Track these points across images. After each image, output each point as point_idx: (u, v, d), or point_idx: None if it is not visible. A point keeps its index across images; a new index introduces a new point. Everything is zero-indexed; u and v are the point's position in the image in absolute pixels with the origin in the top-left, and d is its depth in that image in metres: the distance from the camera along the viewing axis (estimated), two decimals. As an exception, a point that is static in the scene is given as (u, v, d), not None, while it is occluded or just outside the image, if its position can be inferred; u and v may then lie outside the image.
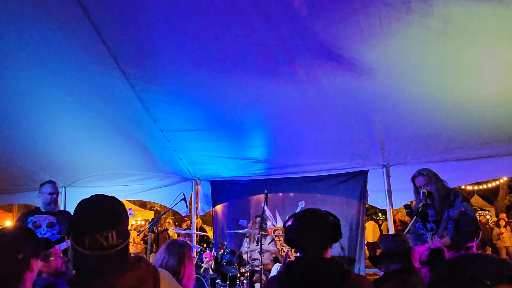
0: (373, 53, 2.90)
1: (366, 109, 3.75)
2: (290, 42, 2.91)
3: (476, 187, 15.01)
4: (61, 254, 2.65)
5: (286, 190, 5.74)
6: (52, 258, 2.65)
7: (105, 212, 1.34)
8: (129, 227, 1.43)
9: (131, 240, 10.38)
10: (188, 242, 2.73)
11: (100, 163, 5.28)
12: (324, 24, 2.66)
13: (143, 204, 16.48)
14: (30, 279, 1.47)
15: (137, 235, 9.93)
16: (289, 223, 1.74)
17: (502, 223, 11.26)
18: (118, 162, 5.32)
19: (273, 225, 5.86)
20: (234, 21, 2.76)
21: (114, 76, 3.42)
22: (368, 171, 5.21)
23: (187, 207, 5.49)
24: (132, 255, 1.41)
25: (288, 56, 3.03)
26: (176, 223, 16.66)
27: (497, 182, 15.25)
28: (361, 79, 3.18)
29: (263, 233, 4.31)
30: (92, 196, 1.41)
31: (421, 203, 3.31)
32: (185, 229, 6.10)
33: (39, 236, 3.71)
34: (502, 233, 10.81)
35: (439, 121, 3.79)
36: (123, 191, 6.06)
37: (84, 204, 1.38)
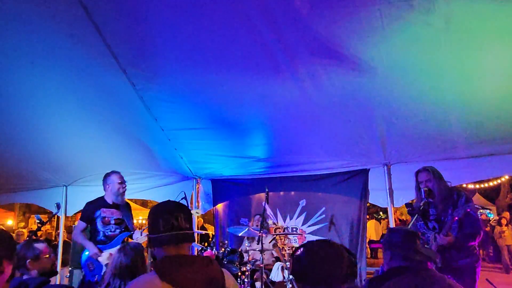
0: (374, 51, 2.89)
1: (367, 107, 3.73)
2: (291, 40, 2.90)
3: (477, 186, 14.99)
4: (52, 254, 2.69)
5: (287, 189, 5.74)
6: (46, 256, 2.67)
7: (171, 201, 1.68)
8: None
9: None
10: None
11: (101, 162, 5.27)
12: (325, 22, 2.65)
13: (144, 203, 16.47)
14: (1, 281, 1.47)
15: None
16: (299, 253, 1.58)
17: (504, 221, 11.25)
18: (119, 161, 5.30)
19: (274, 223, 5.86)
20: (235, 19, 2.75)
21: (115, 74, 3.42)
22: (369, 169, 5.21)
23: (188, 206, 5.50)
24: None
25: (289, 54, 3.02)
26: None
27: (499, 181, 15.24)
28: (362, 77, 3.17)
29: (264, 231, 4.31)
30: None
31: (422, 201, 3.31)
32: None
33: (108, 234, 3.69)
34: (504, 232, 10.79)
35: (440, 119, 3.77)
36: (124, 190, 6.06)
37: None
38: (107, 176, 4.00)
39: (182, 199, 5.19)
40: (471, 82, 3.21)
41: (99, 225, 3.85)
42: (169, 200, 1.71)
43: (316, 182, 5.51)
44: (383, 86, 3.33)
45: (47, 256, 2.69)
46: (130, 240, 3.85)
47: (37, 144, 4.55)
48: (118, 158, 5.19)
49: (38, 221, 3.81)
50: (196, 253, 5.32)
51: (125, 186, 3.98)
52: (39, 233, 10.77)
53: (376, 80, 3.22)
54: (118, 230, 3.90)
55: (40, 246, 2.68)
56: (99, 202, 3.95)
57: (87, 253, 3.80)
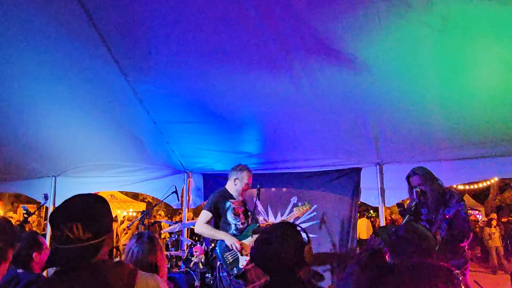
0: (370, 49, 2.86)
1: (361, 106, 3.72)
2: (287, 36, 2.86)
3: (467, 187, 15.14)
4: (48, 247, 2.61)
5: (279, 185, 5.72)
6: (48, 249, 2.59)
7: (74, 205, 1.33)
8: (112, 227, 1.42)
9: (121, 231, 10.21)
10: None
11: (92, 153, 5.22)
12: (321, 18, 2.62)
13: (135, 196, 16.42)
14: (4, 268, 1.44)
15: (127, 227, 9.88)
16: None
17: (493, 223, 11.39)
18: (109, 153, 5.26)
19: (265, 220, 5.84)
20: (230, 13, 2.71)
21: (107, 65, 3.36)
22: (361, 168, 5.21)
23: (178, 200, 5.46)
24: (112, 259, 1.39)
25: (285, 49, 2.98)
26: (168, 216, 16.62)
27: (488, 182, 15.40)
28: (357, 75, 3.15)
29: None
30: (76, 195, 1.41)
31: (414, 202, 3.31)
32: (176, 222, 6.05)
33: (240, 226, 3.65)
34: (493, 233, 10.91)
35: (433, 120, 3.77)
36: (114, 182, 6.02)
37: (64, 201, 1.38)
38: (240, 169, 3.80)
39: (172, 192, 5.17)
40: (465, 84, 3.20)
41: (230, 217, 3.63)
42: (68, 201, 1.38)
43: (308, 180, 5.50)
44: (378, 85, 3.31)
45: (47, 248, 2.62)
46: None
47: (26, 134, 4.48)
48: (109, 149, 5.14)
49: (25, 212, 3.75)
50: (185, 248, 5.29)
51: (249, 189, 3.83)
52: (28, 225, 10.67)
53: (371, 79, 3.20)
54: (245, 224, 3.72)
55: (41, 238, 2.60)
56: (226, 193, 3.74)
57: (223, 245, 3.55)
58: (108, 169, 5.67)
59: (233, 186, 3.75)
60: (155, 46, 3.18)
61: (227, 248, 3.56)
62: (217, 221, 3.64)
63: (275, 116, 4.16)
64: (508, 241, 10.92)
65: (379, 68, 3.06)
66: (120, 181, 5.99)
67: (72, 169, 5.61)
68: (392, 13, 2.48)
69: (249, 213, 3.81)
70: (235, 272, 3.46)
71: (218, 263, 3.54)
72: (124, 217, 13.43)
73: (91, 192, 1.44)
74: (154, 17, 2.84)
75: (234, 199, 3.70)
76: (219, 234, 3.56)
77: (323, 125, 4.19)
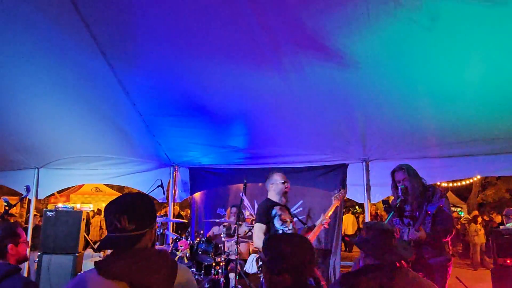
0: (359, 46, 2.85)
1: (349, 102, 3.73)
2: (276, 31, 2.83)
3: (450, 184, 15.42)
4: (27, 240, 2.56)
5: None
6: (25, 242, 2.54)
7: (124, 200, 1.56)
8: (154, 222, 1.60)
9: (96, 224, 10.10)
10: None
11: (76, 145, 5.14)
12: (311, 12, 2.59)
13: (120, 189, 16.23)
14: None
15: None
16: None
17: (479, 219, 11.74)
18: (94, 145, 5.18)
19: (251, 214, 5.84)
20: (220, 5, 2.66)
21: (93, 55, 3.27)
22: (348, 164, 5.24)
23: (164, 194, 5.42)
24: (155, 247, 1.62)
25: (273, 45, 2.95)
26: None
27: (471, 180, 15.71)
28: (346, 71, 3.15)
29: (239, 223, 4.28)
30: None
31: (399, 199, 3.35)
32: (161, 216, 6.01)
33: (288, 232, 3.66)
34: (479, 229, 11.20)
35: (419, 118, 3.81)
36: (99, 174, 5.95)
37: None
38: (269, 176, 3.85)
39: (158, 186, 5.13)
40: (451, 84, 3.23)
41: (277, 224, 3.66)
42: (119, 197, 1.61)
43: (295, 175, 5.50)
44: (366, 82, 3.32)
45: (25, 241, 2.56)
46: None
47: (9, 124, 4.37)
48: (93, 141, 5.06)
49: (6, 204, 3.66)
50: (170, 242, 5.27)
51: (288, 186, 3.80)
52: (12, 217, 10.48)
53: (360, 76, 3.20)
54: (292, 231, 3.72)
55: (19, 230, 2.53)
56: (270, 202, 3.78)
57: None
58: (93, 162, 5.59)
59: (272, 192, 3.79)
60: (143, 38, 3.12)
61: None
62: (268, 230, 3.67)
63: (262, 111, 4.14)
64: (489, 238, 11.16)
65: (367, 65, 3.05)
66: (106, 173, 5.92)
67: (56, 160, 5.51)
68: (382, 10, 2.47)
69: (297, 219, 3.89)
70: None
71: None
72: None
73: (137, 192, 1.63)
74: (142, 9, 2.78)
75: (279, 205, 3.74)
76: None
77: (311, 121, 4.19)
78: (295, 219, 3.84)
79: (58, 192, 13.47)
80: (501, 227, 5.55)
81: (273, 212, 3.63)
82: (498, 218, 11.12)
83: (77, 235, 5.25)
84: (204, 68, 3.41)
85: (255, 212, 3.80)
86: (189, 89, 3.82)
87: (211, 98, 3.94)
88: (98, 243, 1.54)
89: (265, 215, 3.64)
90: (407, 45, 2.83)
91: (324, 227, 3.86)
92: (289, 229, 3.63)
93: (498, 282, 4.25)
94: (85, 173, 5.87)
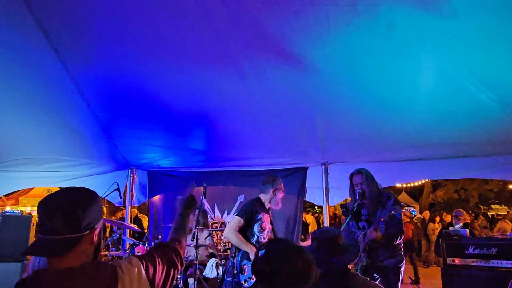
0: (319, 52, 2.90)
1: (308, 107, 3.78)
2: (238, 34, 2.82)
3: (404, 185, 16.06)
4: None
5: (226, 183, 5.70)
6: None
7: (59, 197, 1.33)
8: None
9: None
10: None
11: (26, 146, 4.84)
12: (273, 19, 2.60)
13: (75, 191, 15.51)
14: None
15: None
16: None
17: (437, 219, 12.37)
18: (46, 146, 4.91)
19: (211, 218, 5.78)
20: (180, 9, 2.60)
21: (44, 52, 3.09)
22: (307, 168, 5.31)
23: (120, 198, 5.24)
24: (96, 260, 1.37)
25: (234, 48, 2.94)
26: (111, 212, 15.94)
27: (423, 181, 16.45)
28: (305, 76, 3.18)
29: (199, 227, 4.21)
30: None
31: (356, 203, 3.44)
32: (118, 220, 5.80)
33: (261, 240, 3.52)
34: (436, 228, 11.75)
35: (376, 123, 3.93)
36: (51, 177, 5.66)
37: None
38: (273, 180, 3.73)
39: (114, 190, 4.95)
40: (405, 91, 3.36)
41: (257, 228, 3.58)
42: (56, 192, 1.36)
43: (256, 178, 5.50)
44: (326, 87, 3.38)
45: None
46: None
47: None
48: (44, 143, 4.80)
49: None
50: (127, 248, 5.10)
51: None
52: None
53: (319, 81, 3.25)
54: (266, 238, 3.65)
55: None
56: (260, 205, 3.67)
57: (246, 255, 3.52)
58: (45, 164, 5.30)
59: (269, 198, 3.73)
60: (99, 36, 2.99)
61: (248, 260, 3.52)
62: (244, 229, 3.61)
63: (223, 114, 4.10)
64: (439, 239, 11.75)
65: (327, 71, 3.11)
66: (57, 176, 5.63)
67: (3, 162, 5.17)
68: (341, 18, 2.52)
69: (273, 230, 3.82)
70: (247, 285, 3.46)
71: (235, 271, 3.54)
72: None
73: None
74: (98, 5, 2.67)
75: (267, 212, 3.70)
76: (246, 247, 3.52)
77: (271, 124, 4.21)
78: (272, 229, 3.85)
79: (6, 195, 12.70)
80: (450, 228, 5.84)
81: (259, 216, 3.61)
82: (448, 218, 11.77)
83: (26, 241, 4.96)
84: (164, 69, 3.33)
85: (243, 207, 3.74)
86: (148, 90, 3.71)
87: (171, 100, 3.85)
88: (26, 248, 1.33)
89: (249, 214, 3.59)
90: (365, 53, 2.90)
91: None
92: (264, 237, 3.63)
93: (447, 281, 4.47)
94: (35, 176, 5.56)
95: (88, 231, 1.31)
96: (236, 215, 3.68)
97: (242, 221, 3.56)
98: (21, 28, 2.85)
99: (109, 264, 1.38)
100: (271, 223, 3.79)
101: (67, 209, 1.28)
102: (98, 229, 1.36)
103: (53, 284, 1.23)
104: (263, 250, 1.58)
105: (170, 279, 1.52)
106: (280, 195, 3.75)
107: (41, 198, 1.35)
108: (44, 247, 1.25)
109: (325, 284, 1.99)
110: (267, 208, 3.76)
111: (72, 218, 1.27)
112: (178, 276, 4.34)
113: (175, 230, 1.79)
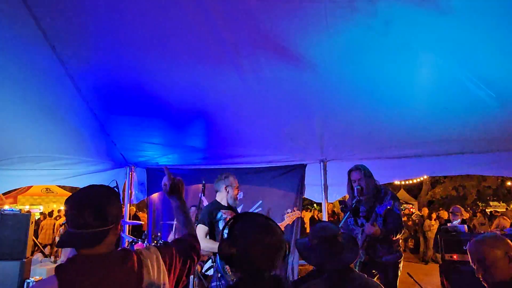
0: (317, 49, 2.90)
1: (307, 104, 3.78)
2: (236, 31, 2.82)
3: (403, 182, 16.10)
4: None
5: (225, 180, 5.68)
6: None
7: (86, 194, 1.47)
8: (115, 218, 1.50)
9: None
10: None
11: (23, 144, 4.83)
12: (270, 15, 2.60)
13: (73, 189, 15.53)
14: None
15: (62, 224, 9.34)
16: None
17: (434, 216, 12.47)
18: (44, 144, 4.90)
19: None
20: (178, 6, 2.60)
21: (41, 49, 3.09)
22: (306, 165, 5.32)
23: (119, 195, 5.24)
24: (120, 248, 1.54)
25: (232, 44, 2.93)
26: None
27: (421, 178, 16.49)
28: (303, 73, 3.19)
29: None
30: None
31: (355, 199, 3.44)
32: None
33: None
34: (433, 225, 11.81)
35: (375, 120, 3.93)
36: (49, 175, 5.66)
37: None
38: (225, 177, 3.83)
39: (113, 188, 4.94)
40: (403, 88, 3.36)
41: (222, 226, 3.64)
42: (81, 190, 1.51)
43: (254, 175, 5.52)
44: (324, 84, 3.38)
45: None
46: None
47: None
48: (43, 141, 4.79)
49: None
50: (126, 245, 5.10)
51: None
52: None
53: (317, 78, 3.25)
54: None
55: None
56: (216, 205, 3.76)
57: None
58: (43, 162, 5.29)
59: (225, 195, 3.80)
60: (97, 33, 2.98)
61: None
62: (211, 232, 3.69)
63: (221, 111, 4.10)
64: (437, 235, 11.81)
65: (325, 68, 3.11)
66: (57, 174, 5.63)
67: (0, 161, 5.16)
68: (339, 15, 2.52)
69: None
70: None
71: (219, 274, 3.58)
72: (60, 211, 12.70)
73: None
74: (94, 3, 2.66)
75: (226, 208, 3.74)
76: None
77: (270, 121, 4.21)
78: None
79: (4, 193, 12.68)
80: (448, 224, 5.86)
81: (218, 215, 3.67)
82: (445, 214, 11.82)
83: (24, 239, 4.95)
84: (162, 67, 3.32)
85: (201, 214, 3.81)
86: (146, 87, 3.71)
87: (169, 97, 3.85)
88: (58, 241, 1.55)
89: (208, 217, 3.67)
90: (363, 49, 2.90)
91: None
92: None
93: (446, 276, 4.49)
94: (34, 174, 5.55)
95: (113, 224, 1.46)
96: (197, 225, 3.73)
97: (206, 227, 3.65)
98: (17, 25, 2.84)
99: (132, 251, 1.53)
100: None
101: (96, 204, 1.43)
102: (120, 223, 1.53)
103: (88, 266, 1.38)
104: (227, 231, 1.56)
105: (186, 270, 1.64)
106: (233, 191, 3.78)
107: (68, 196, 1.49)
108: (79, 240, 1.39)
109: (322, 281, 1.98)
110: (227, 205, 3.79)
111: (101, 212, 1.42)
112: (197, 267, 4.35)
113: (184, 225, 1.86)
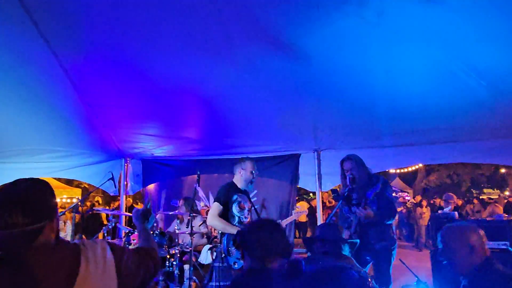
0: (309, 39, 2.91)
1: (300, 94, 3.81)
2: (229, 22, 2.83)
3: (398, 171, 16.21)
4: None
5: (220, 171, 5.71)
6: None
7: (13, 190, 1.30)
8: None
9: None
10: None
11: (18, 137, 4.82)
12: (263, 5, 2.61)
13: (69, 181, 15.50)
14: None
15: (59, 215, 9.31)
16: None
17: (424, 203, 12.56)
18: (39, 137, 4.89)
19: (206, 205, 5.83)
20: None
21: (34, 42, 3.08)
22: (300, 154, 5.36)
23: (115, 187, 5.27)
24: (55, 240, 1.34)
25: (225, 35, 2.95)
26: (106, 202, 15.96)
27: (416, 167, 16.61)
28: (297, 63, 3.21)
29: (193, 214, 4.26)
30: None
31: (347, 188, 3.49)
32: (113, 210, 5.84)
33: (243, 220, 3.66)
34: (424, 213, 11.94)
35: (367, 109, 3.97)
36: (45, 168, 5.63)
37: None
38: (242, 161, 3.82)
39: (109, 179, 4.97)
40: (396, 78, 3.39)
41: (235, 209, 3.65)
42: (7, 186, 1.32)
43: (249, 165, 5.55)
44: (317, 74, 3.40)
45: None
46: None
47: None
48: (38, 133, 4.78)
49: None
50: (123, 236, 5.14)
51: (254, 177, 3.82)
52: None
53: (310, 68, 3.27)
54: (248, 218, 3.73)
55: None
56: (233, 186, 3.76)
57: (232, 237, 3.52)
58: (38, 154, 5.28)
59: (239, 177, 3.81)
60: (90, 26, 2.98)
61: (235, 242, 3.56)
62: (224, 212, 3.68)
63: (215, 102, 4.12)
64: (429, 222, 11.95)
65: (318, 58, 3.13)
66: (52, 167, 5.62)
67: (-4, 154, 5.16)
68: (331, 5, 2.54)
69: (254, 209, 3.89)
70: (236, 266, 3.50)
71: (223, 254, 3.61)
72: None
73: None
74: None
75: (241, 192, 3.77)
76: (231, 229, 3.57)
77: (264, 111, 4.23)
78: (253, 207, 3.89)
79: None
80: (440, 211, 5.94)
81: (234, 197, 3.68)
82: (439, 202, 11.98)
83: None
84: (156, 58, 3.33)
85: (218, 192, 3.81)
86: (140, 80, 3.71)
87: (163, 89, 3.86)
88: None
89: (225, 196, 3.68)
90: (355, 40, 2.92)
91: None
92: (245, 217, 3.69)
93: (437, 263, 4.57)
94: (30, 167, 5.53)
95: (47, 220, 1.30)
96: (213, 202, 3.75)
97: (221, 206, 3.66)
98: (10, 18, 2.83)
99: (72, 242, 1.40)
100: (251, 203, 3.85)
101: (24, 200, 1.27)
102: (56, 219, 1.37)
103: (18, 261, 1.24)
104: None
105: (140, 276, 1.52)
106: (247, 175, 3.80)
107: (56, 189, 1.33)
108: (6, 240, 1.23)
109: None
110: (243, 190, 3.83)
111: (32, 209, 1.27)
112: (175, 263, 4.40)
113: (144, 242, 1.80)
